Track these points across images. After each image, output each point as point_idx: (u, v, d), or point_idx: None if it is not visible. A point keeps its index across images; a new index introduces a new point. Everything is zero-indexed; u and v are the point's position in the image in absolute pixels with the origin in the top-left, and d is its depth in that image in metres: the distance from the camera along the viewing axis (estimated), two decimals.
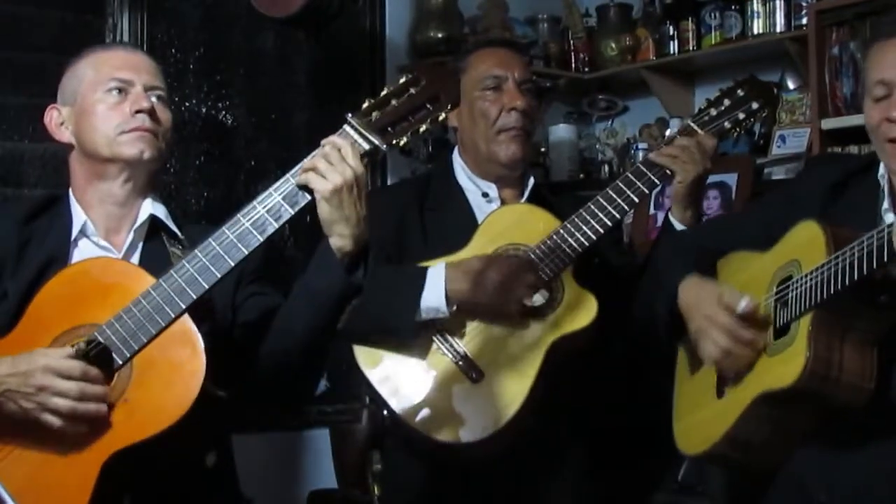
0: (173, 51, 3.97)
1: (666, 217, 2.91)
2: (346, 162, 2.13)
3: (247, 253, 2.13)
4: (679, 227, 2.85)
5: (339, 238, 2.16)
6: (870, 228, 2.25)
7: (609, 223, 2.82)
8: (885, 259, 2.03)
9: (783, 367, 2.22)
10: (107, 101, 2.38)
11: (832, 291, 2.14)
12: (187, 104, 3.99)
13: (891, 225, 2.03)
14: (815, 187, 2.46)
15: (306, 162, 2.17)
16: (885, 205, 2.34)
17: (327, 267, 2.18)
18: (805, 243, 2.29)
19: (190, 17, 4.03)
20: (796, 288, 2.26)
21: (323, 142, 2.19)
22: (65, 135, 2.44)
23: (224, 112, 4.09)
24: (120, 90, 2.39)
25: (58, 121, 2.45)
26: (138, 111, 2.36)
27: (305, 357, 2.33)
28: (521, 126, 2.98)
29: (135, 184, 2.40)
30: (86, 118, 2.39)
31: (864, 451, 2.21)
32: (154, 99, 2.41)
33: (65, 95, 2.45)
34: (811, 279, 2.21)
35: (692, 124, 2.90)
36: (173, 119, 2.47)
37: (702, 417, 2.50)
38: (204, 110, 4.04)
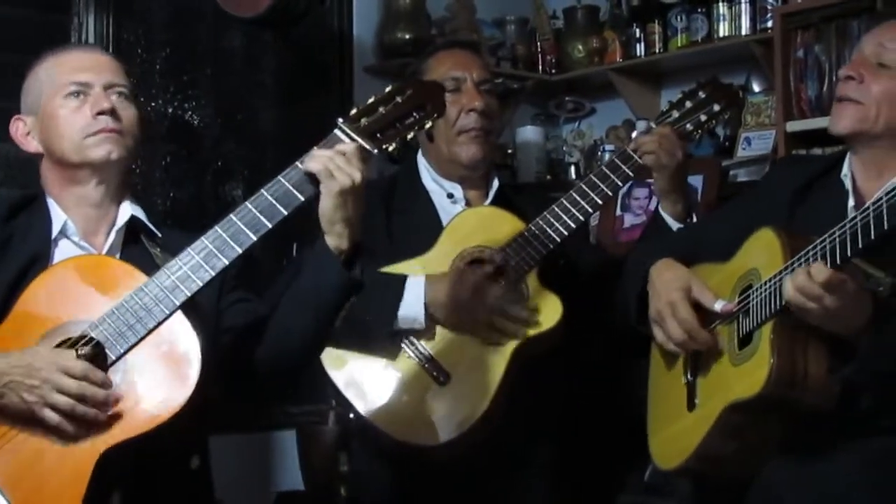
0: (139, 51, 3.94)
1: (656, 212, 2.92)
2: (354, 165, 2.18)
3: (240, 252, 2.16)
4: (671, 222, 2.86)
5: (337, 237, 2.21)
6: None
7: (582, 218, 2.84)
8: (838, 262, 2.06)
9: (749, 376, 2.24)
10: (68, 105, 2.37)
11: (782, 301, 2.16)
12: (153, 104, 3.96)
13: (843, 225, 2.06)
14: (781, 192, 2.48)
15: (309, 162, 2.19)
16: (851, 202, 2.36)
17: (326, 265, 2.23)
18: (762, 251, 2.32)
19: (156, 16, 4.00)
20: (756, 297, 2.28)
21: (319, 147, 2.22)
22: (32, 144, 2.43)
23: (191, 112, 4.06)
24: (79, 93, 2.37)
25: (23, 131, 2.44)
26: (100, 112, 2.35)
27: (303, 357, 2.39)
28: (481, 126, 2.99)
29: (108, 185, 2.40)
30: (50, 126, 2.38)
31: (836, 463, 2.23)
32: (115, 97, 2.39)
33: (27, 104, 2.44)
34: (769, 287, 2.24)
35: (655, 127, 2.91)
36: (139, 115, 2.46)
37: (674, 431, 2.52)
38: (170, 110, 4.01)
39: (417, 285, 2.78)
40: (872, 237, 2.00)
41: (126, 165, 2.43)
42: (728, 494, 2.42)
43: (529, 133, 4.90)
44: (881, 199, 1.97)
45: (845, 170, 2.41)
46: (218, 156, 4.12)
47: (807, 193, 2.46)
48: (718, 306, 2.38)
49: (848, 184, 2.39)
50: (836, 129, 2.40)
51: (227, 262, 2.16)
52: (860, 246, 2.02)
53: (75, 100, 2.37)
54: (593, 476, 3.44)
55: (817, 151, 3.66)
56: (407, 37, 4.44)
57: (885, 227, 1.97)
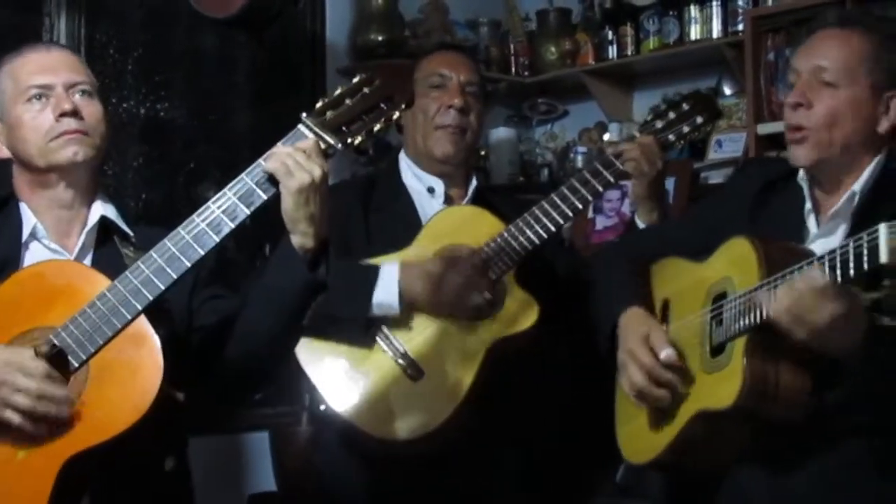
0: (112, 51, 3.92)
1: (632, 220, 2.95)
2: (314, 161, 2.14)
3: (203, 254, 2.13)
4: None
5: (302, 236, 2.17)
6: (794, 231, 2.34)
7: (562, 221, 2.86)
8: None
9: (721, 386, 2.26)
10: (31, 110, 2.35)
11: (766, 317, 2.17)
12: (126, 105, 3.94)
13: (822, 257, 2.07)
14: (743, 195, 2.51)
15: (268, 161, 2.16)
16: (808, 206, 2.39)
17: (290, 265, 2.20)
18: (738, 260, 2.33)
19: (129, 17, 3.98)
20: (731, 308, 2.29)
21: (281, 144, 2.20)
22: (2, 150, 2.41)
23: (163, 113, 4.05)
24: (41, 96, 2.35)
25: None
26: (62, 114, 2.33)
27: (272, 356, 2.35)
28: (458, 124, 3.02)
29: (78, 186, 2.38)
30: (15, 132, 2.36)
31: (806, 466, 2.25)
32: (77, 96, 2.37)
33: None
34: (744, 302, 2.24)
35: (638, 135, 2.94)
36: (111, 118, 2.44)
37: (643, 426, 2.52)
38: (143, 111, 3.99)
39: (392, 271, 2.79)
40: (851, 275, 2.00)
41: (95, 164, 2.41)
42: (701, 494, 2.44)
43: (502, 135, 4.91)
44: (862, 238, 1.98)
45: (802, 173, 2.43)
46: (191, 157, 4.10)
47: (767, 196, 2.49)
48: (663, 355, 2.37)
49: (805, 188, 2.41)
50: (799, 164, 2.40)
51: (189, 265, 2.12)
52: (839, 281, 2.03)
53: (37, 103, 2.35)
54: (565, 477, 3.45)
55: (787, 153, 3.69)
56: (380, 38, 4.44)
57: (865, 268, 1.98)
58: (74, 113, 2.34)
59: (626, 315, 2.51)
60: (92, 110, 2.38)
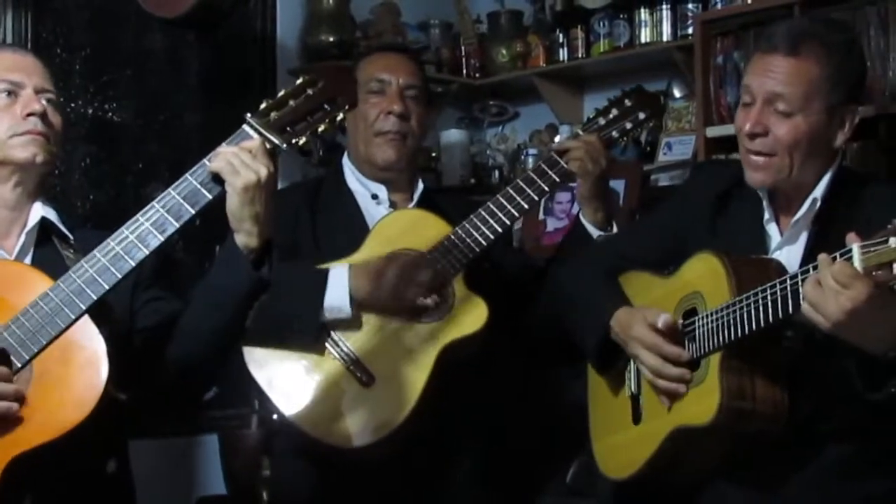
0: (59, 50, 3.88)
1: (577, 220, 2.95)
2: (259, 160, 2.14)
3: (147, 253, 2.12)
4: (591, 229, 2.90)
5: (247, 235, 2.17)
6: (756, 241, 2.36)
7: (508, 222, 2.87)
8: (791, 310, 2.09)
9: (697, 403, 2.28)
10: None
11: (740, 335, 2.19)
12: (73, 105, 3.90)
13: (794, 276, 2.09)
14: (701, 200, 2.52)
15: (214, 160, 2.16)
16: (767, 216, 2.40)
17: (234, 265, 2.20)
18: (706, 276, 2.34)
19: (77, 16, 3.94)
20: (704, 325, 2.30)
21: (226, 144, 2.20)
22: None
23: (111, 113, 4.01)
24: (10, 92, 2.34)
25: None
26: (30, 114, 2.32)
27: (214, 357, 2.35)
28: (398, 130, 3.00)
29: (25, 187, 2.37)
30: None
31: (784, 474, 2.28)
32: (45, 102, 2.36)
33: None
34: (718, 319, 2.26)
35: (581, 134, 2.95)
36: (64, 124, 2.44)
37: (620, 441, 2.55)
38: (91, 111, 3.96)
39: (341, 273, 2.78)
40: None
41: (46, 171, 2.41)
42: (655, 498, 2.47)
43: (454, 136, 4.91)
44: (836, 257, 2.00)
45: None
46: (139, 157, 4.07)
47: (726, 201, 2.49)
48: (660, 322, 2.37)
49: (764, 197, 2.42)
50: (755, 185, 2.39)
51: (133, 265, 2.12)
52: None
53: (5, 98, 2.34)
54: (516, 479, 3.45)
55: (736, 156, 3.71)
56: (331, 39, 4.42)
57: None
58: (43, 115, 2.34)
59: (618, 315, 2.49)
60: (57, 120, 2.40)
